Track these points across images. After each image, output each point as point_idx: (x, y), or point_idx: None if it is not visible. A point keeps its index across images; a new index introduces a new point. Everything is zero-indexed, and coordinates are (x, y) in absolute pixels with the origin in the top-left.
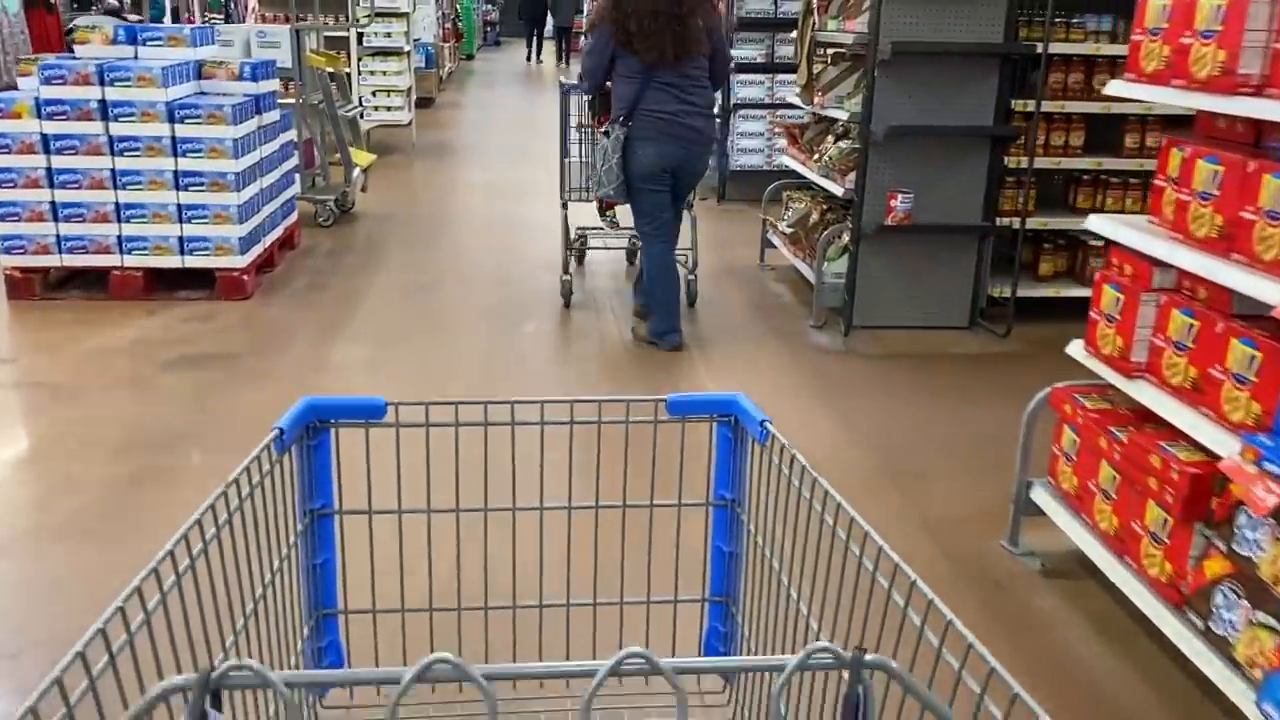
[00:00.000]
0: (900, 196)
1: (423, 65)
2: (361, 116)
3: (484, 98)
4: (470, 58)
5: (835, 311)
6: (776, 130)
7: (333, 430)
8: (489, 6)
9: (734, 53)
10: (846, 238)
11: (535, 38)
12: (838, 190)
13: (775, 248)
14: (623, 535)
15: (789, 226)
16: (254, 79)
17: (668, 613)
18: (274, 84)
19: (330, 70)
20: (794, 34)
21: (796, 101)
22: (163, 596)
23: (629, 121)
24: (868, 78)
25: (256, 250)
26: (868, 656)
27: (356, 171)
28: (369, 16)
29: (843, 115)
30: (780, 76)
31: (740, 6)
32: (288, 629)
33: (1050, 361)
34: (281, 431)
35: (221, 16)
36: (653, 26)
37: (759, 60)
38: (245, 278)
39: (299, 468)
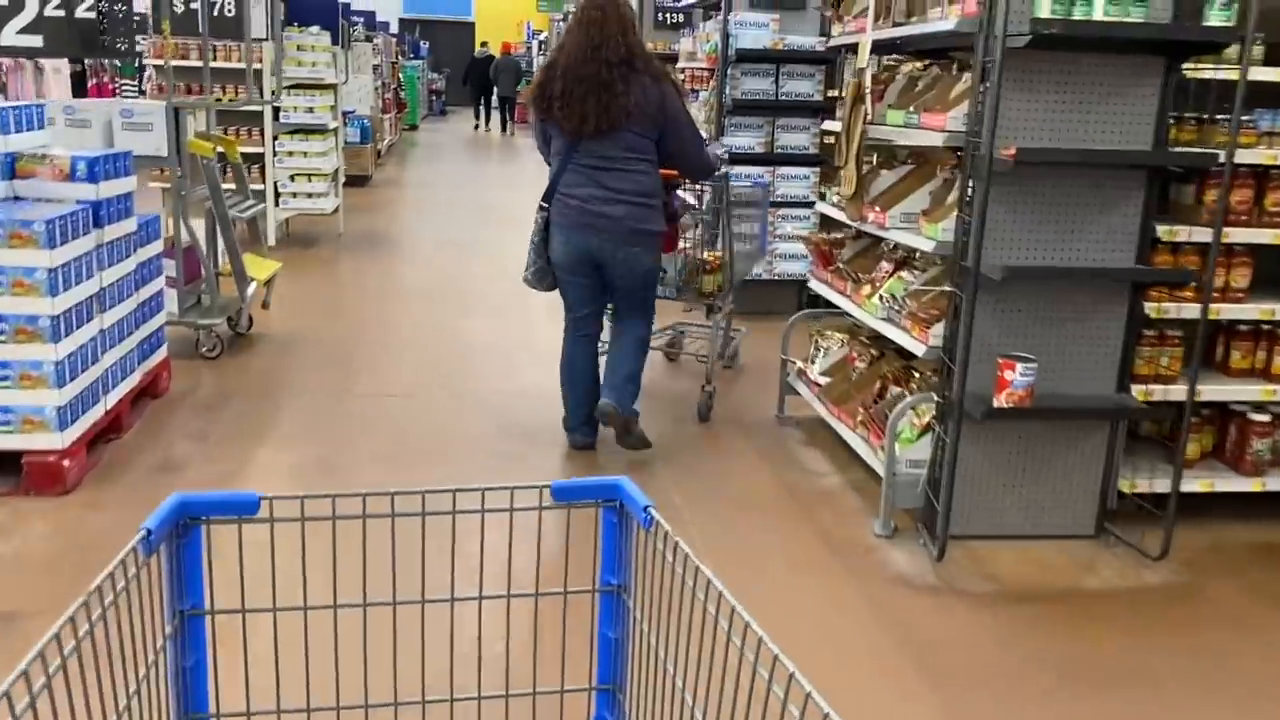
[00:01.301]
0: (1020, 367)
1: (358, 139)
2: (279, 203)
3: (427, 174)
4: (414, 128)
5: (914, 514)
6: (774, 236)
7: (204, 527)
8: (435, 75)
9: (730, 140)
10: (927, 415)
11: (483, 106)
12: (911, 345)
13: (798, 394)
14: (507, 625)
15: (823, 374)
16: (92, 179)
17: (554, 704)
18: (127, 184)
19: (224, 156)
20: (826, 124)
21: (830, 209)
22: (15, 717)
23: (547, 202)
24: (976, 195)
25: (86, 421)
26: None
27: (252, 286)
28: (277, 91)
29: (922, 243)
30: (783, 170)
31: (735, 87)
32: None
33: (1233, 602)
34: (149, 532)
35: (134, 83)
36: (575, 92)
37: (756, 150)
38: (66, 463)
39: (168, 568)
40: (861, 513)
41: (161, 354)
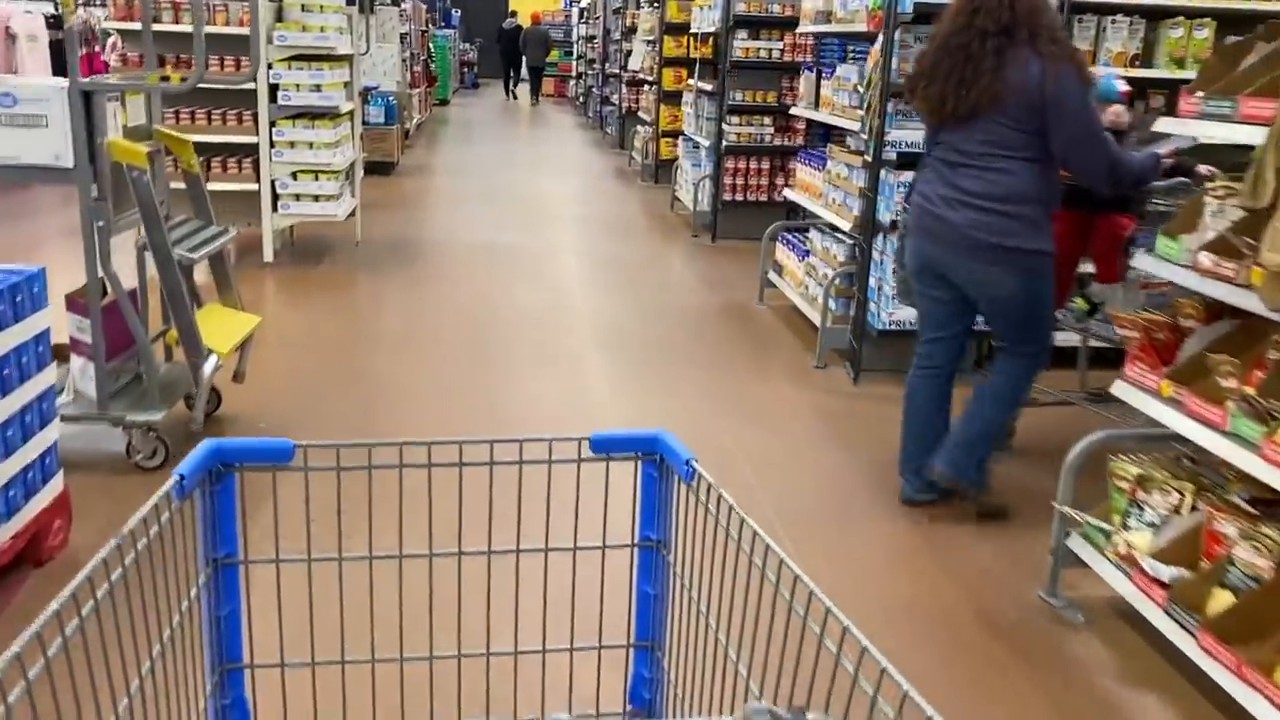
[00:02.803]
0: None
1: (382, 121)
2: (277, 208)
3: (460, 157)
4: (444, 103)
5: None
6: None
7: (237, 475)
8: (466, 46)
9: (898, 134)
10: None
11: (512, 77)
12: None
13: (1086, 565)
14: (545, 580)
15: (1163, 558)
16: None
17: (592, 660)
18: None
19: (176, 161)
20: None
21: (1182, 273)
22: (47, 660)
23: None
24: None
25: None
26: (809, 715)
27: (212, 362)
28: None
29: None
30: None
31: (907, 59)
32: (189, 686)
33: None
34: (182, 477)
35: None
36: (941, 67)
37: None
38: None
39: (201, 515)
40: None
41: (50, 493)
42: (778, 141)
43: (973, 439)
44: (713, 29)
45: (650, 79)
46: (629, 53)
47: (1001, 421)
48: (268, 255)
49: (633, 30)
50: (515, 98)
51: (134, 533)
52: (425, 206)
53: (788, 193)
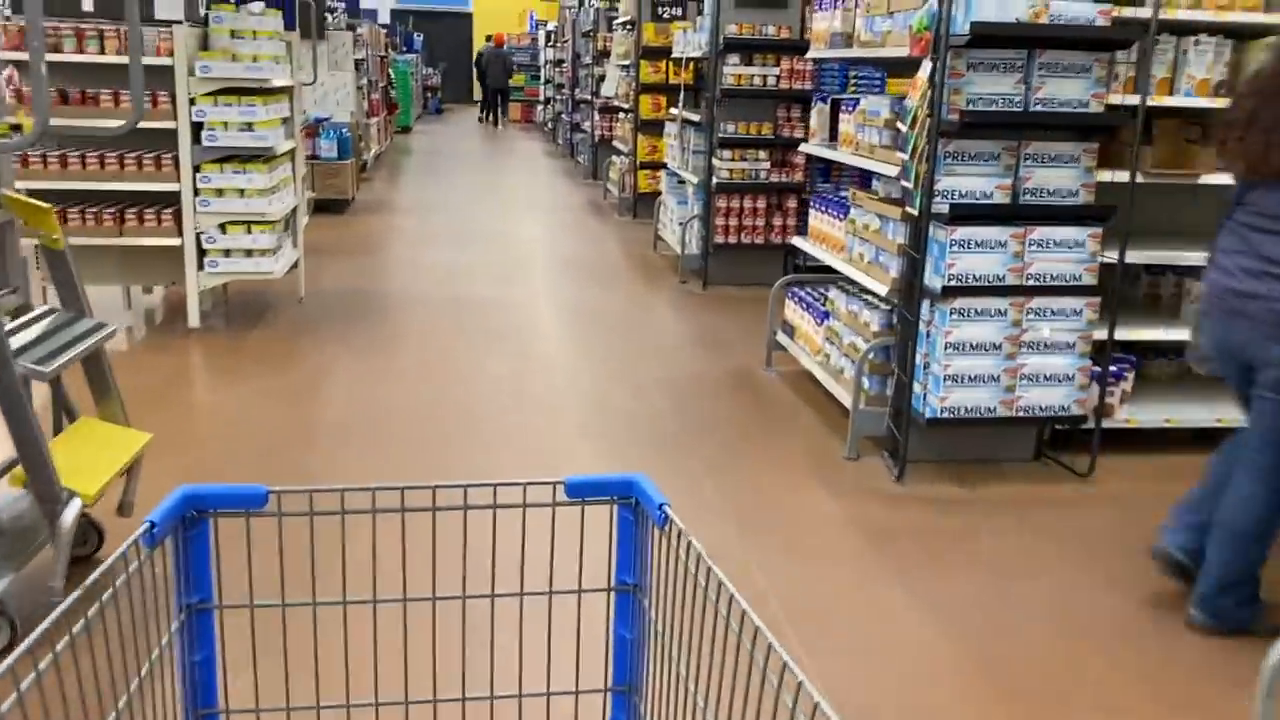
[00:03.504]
0: None
1: (334, 154)
2: (203, 266)
3: (423, 190)
4: (406, 130)
5: None
6: (1018, 343)
7: (211, 520)
8: (430, 70)
9: (949, 182)
10: None
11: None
12: None
13: None
14: (521, 624)
15: None
16: None
17: (569, 705)
18: None
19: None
20: None
21: None
22: (15, 699)
23: None
24: None
25: None
26: None
27: (75, 508)
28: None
29: None
30: (1037, 233)
31: (959, 90)
32: None
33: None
34: (153, 525)
35: None
36: (1261, 117)
37: (992, 196)
38: None
39: (175, 561)
40: None
41: None
42: (775, 178)
43: (1223, 567)
44: (699, 53)
45: (626, 107)
46: (601, 78)
47: (1258, 552)
48: (193, 320)
49: (605, 54)
50: (496, 125)
51: (99, 583)
52: (381, 251)
53: (797, 241)
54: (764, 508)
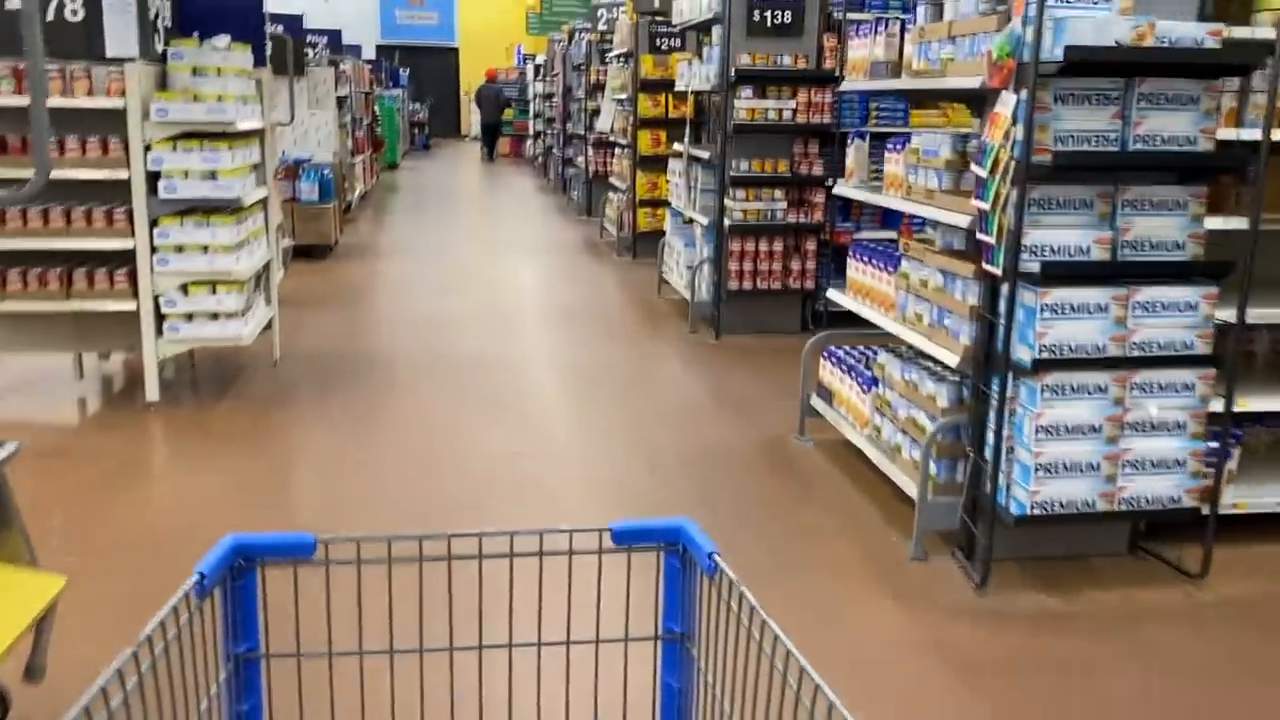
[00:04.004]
0: None
1: (315, 198)
2: (161, 332)
3: (410, 231)
4: (393, 167)
5: None
6: (1122, 423)
7: (259, 570)
8: (416, 106)
9: (1038, 235)
10: None
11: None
12: None
13: None
14: (567, 673)
15: None
16: None
17: None
18: None
19: None
20: None
21: None
22: None
23: None
24: None
25: None
26: None
27: None
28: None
29: None
30: (1142, 294)
31: (1045, 129)
32: None
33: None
34: (203, 576)
35: None
36: None
37: (1090, 252)
38: None
39: (222, 611)
40: None
41: None
42: (792, 218)
43: None
44: (708, 86)
45: (623, 142)
46: (595, 112)
47: None
48: (151, 393)
49: (598, 88)
50: (490, 158)
51: (151, 637)
52: (365, 301)
53: (834, 295)
54: (821, 626)
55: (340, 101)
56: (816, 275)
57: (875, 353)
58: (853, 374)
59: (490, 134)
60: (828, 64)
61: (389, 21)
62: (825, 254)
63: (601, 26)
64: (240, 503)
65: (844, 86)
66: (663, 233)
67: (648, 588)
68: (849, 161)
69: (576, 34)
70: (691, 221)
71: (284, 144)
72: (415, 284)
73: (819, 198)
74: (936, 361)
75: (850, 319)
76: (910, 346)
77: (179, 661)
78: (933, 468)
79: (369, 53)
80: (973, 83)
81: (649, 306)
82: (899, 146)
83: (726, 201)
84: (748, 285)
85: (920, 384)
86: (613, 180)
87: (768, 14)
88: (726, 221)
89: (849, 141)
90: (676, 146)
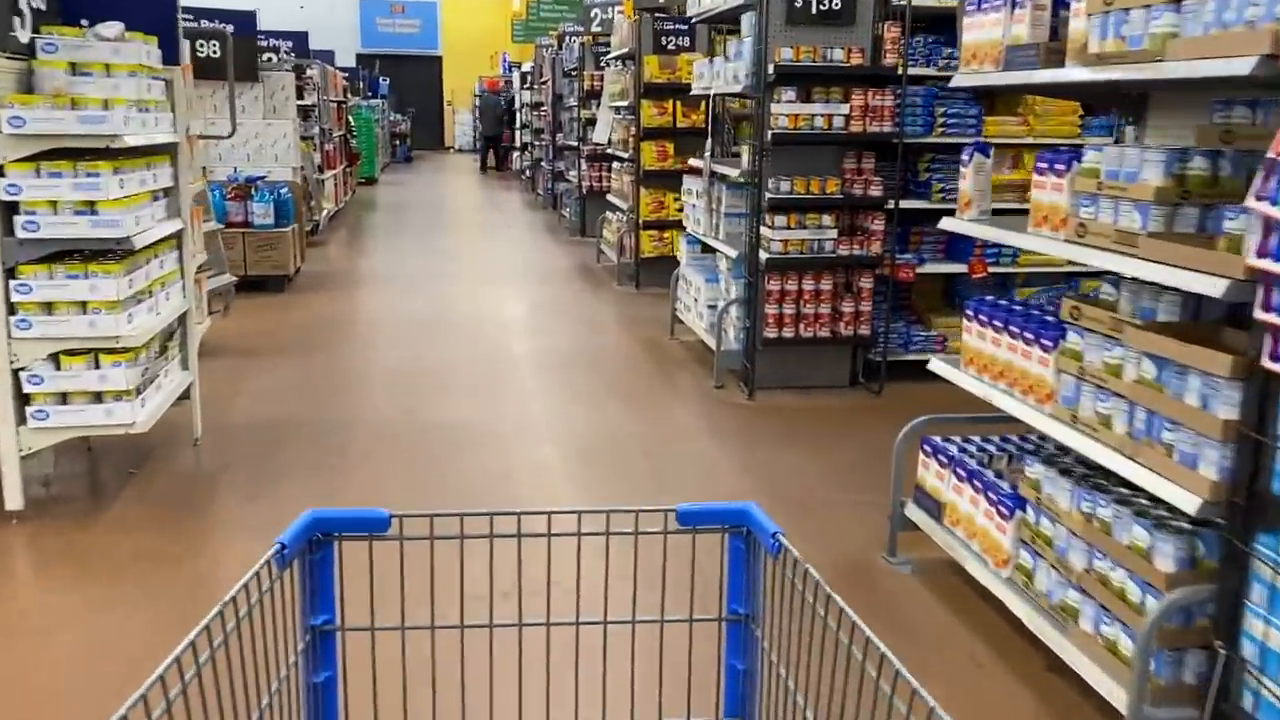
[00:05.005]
0: None
1: (270, 222)
2: (24, 420)
3: (385, 256)
4: (371, 181)
5: None
6: None
7: (336, 544)
8: (397, 116)
9: None
10: None
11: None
12: None
13: None
14: (632, 652)
15: None
16: None
17: None
18: None
19: None
20: None
21: None
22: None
23: None
24: None
25: None
26: None
27: None
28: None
29: None
30: None
31: None
32: None
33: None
34: (283, 546)
35: None
36: None
37: None
38: None
39: (301, 583)
40: None
41: None
42: (844, 249)
43: None
44: (736, 88)
45: (624, 155)
46: (589, 121)
47: None
48: (12, 500)
49: (592, 95)
50: (483, 170)
51: (235, 601)
52: (324, 348)
53: (937, 367)
54: None
55: (306, 111)
56: (873, 319)
57: (1014, 454)
58: (977, 484)
59: (490, 146)
60: (887, 59)
61: (369, 29)
62: (883, 293)
63: (596, 27)
64: (95, 692)
65: (962, 81)
66: (670, 259)
67: (707, 569)
68: (965, 186)
69: (567, 37)
70: (713, 251)
71: (235, 159)
72: (385, 324)
73: (877, 224)
74: (1142, 491)
75: (925, 375)
76: (1083, 459)
77: (260, 631)
78: (1152, 663)
79: (348, 61)
80: (1237, 67)
81: (661, 352)
82: (1061, 167)
83: (762, 230)
84: (788, 332)
85: (1114, 524)
86: (611, 198)
87: None
88: (762, 254)
89: (964, 159)
90: (695, 161)
